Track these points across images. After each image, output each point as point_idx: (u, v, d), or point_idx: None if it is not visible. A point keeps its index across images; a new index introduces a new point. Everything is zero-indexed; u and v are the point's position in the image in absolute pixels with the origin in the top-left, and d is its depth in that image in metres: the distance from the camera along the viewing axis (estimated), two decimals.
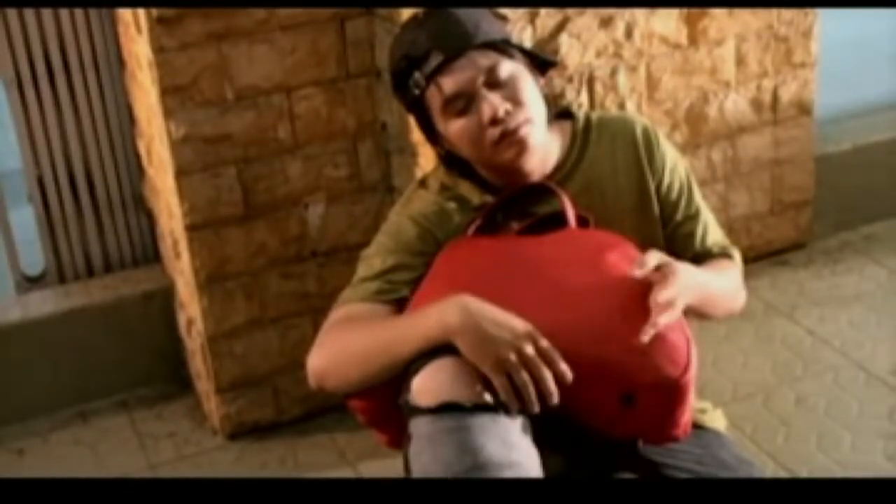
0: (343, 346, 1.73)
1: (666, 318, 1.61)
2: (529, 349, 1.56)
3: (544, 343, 1.57)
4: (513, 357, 1.55)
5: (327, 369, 1.74)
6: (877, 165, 3.23)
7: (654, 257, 1.67)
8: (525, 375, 1.55)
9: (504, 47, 1.79)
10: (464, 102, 1.77)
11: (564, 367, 1.57)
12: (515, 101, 1.76)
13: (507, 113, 1.75)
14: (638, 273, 1.62)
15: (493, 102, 1.75)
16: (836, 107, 3.30)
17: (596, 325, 1.63)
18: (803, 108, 2.93)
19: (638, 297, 1.63)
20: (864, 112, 3.47)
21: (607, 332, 1.62)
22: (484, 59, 1.76)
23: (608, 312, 1.63)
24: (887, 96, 3.54)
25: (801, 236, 3.10)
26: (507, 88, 1.77)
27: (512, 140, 1.76)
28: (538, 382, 1.56)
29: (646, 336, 1.58)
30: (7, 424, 2.69)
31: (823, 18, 2.88)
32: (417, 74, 1.78)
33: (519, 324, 1.58)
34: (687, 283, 1.67)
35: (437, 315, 1.61)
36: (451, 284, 1.69)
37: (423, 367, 1.60)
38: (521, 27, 2.38)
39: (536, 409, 1.56)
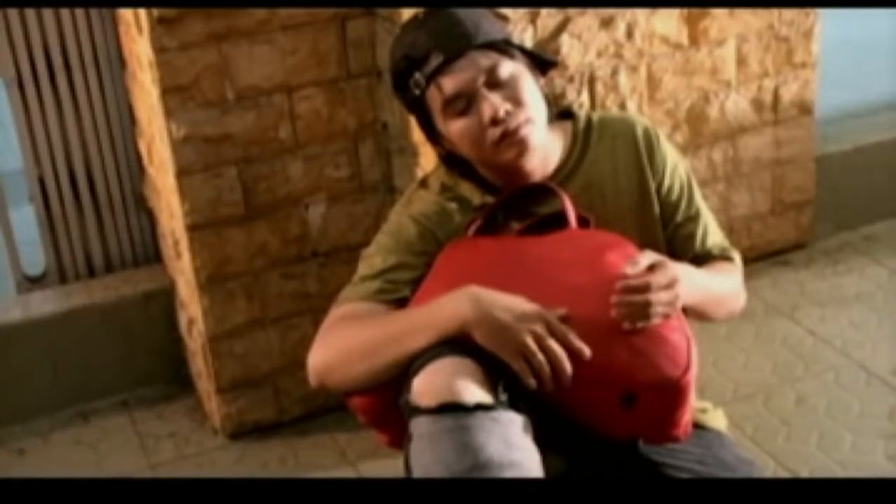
0: (347, 341, 1.73)
1: (662, 313, 1.62)
2: (543, 331, 1.58)
3: (556, 323, 1.60)
4: (530, 341, 1.58)
5: (330, 365, 1.74)
6: (877, 165, 3.23)
7: (648, 257, 1.68)
8: (542, 358, 1.58)
9: (504, 47, 1.79)
10: (464, 103, 1.77)
11: (579, 344, 1.60)
12: (516, 101, 1.76)
13: (508, 113, 1.75)
14: (630, 271, 1.63)
15: (494, 103, 1.75)
16: (836, 107, 3.30)
17: (596, 325, 1.63)
18: (804, 109, 2.93)
19: None
20: (864, 112, 3.47)
21: (607, 332, 1.62)
22: (484, 59, 1.76)
23: (608, 312, 1.63)
24: (887, 96, 3.54)
25: (802, 236, 3.10)
26: (507, 89, 1.77)
27: (512, 140, 1.76)
28: (553, 362, 1.58)
29: (630, 326, 1.60)
30: (8, 424, 2.69)
31: (824, 19, 2.88)
32: (418, 75, 1.78)
33: (529, 308, 1.61)
34: (684, 283, 1.68)
35: (451, 308, 1.63)
36: (451, 284, 1.69)
37: (424, 367, 1.60)
38: (522, 27, 2.38)
39: (552, 387, 1.59)
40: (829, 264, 3.07)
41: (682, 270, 1.71)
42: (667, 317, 1.65)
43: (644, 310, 1.62)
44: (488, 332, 1.60)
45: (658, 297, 1.63)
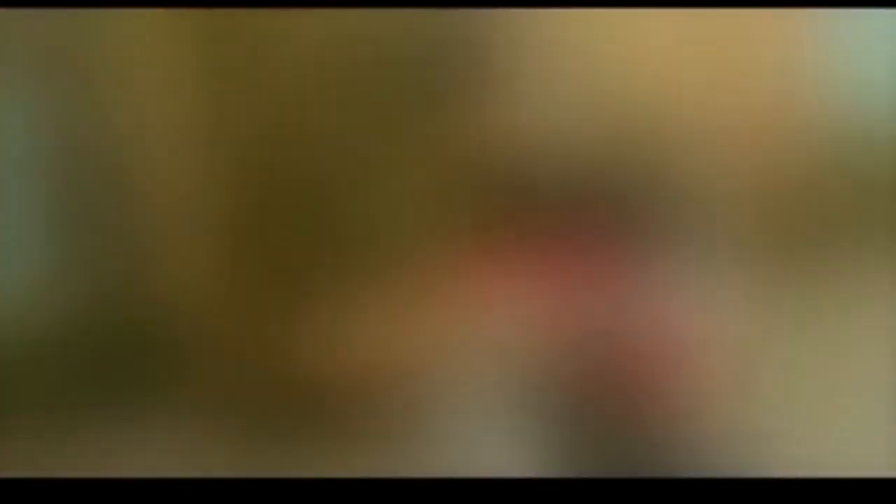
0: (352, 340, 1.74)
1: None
2: None
3: None
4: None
5: (333, 363, 1.74)
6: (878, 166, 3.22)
7: None
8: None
9: None
10: None
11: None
12: None
13: None
14: None
15: None
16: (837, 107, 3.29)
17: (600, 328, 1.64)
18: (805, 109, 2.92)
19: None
20: (864, 113, 3.46)
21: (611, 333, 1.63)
22: None
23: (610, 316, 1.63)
24: (888, 97, 3.53)
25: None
26: None
27: None
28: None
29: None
30: (6, 424, 2.68)
31: (826, 19, 2.88)
32: None
33: None
34: None
35: None
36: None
37: None
38: None
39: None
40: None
41: None
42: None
43: None
44: None
45: None
